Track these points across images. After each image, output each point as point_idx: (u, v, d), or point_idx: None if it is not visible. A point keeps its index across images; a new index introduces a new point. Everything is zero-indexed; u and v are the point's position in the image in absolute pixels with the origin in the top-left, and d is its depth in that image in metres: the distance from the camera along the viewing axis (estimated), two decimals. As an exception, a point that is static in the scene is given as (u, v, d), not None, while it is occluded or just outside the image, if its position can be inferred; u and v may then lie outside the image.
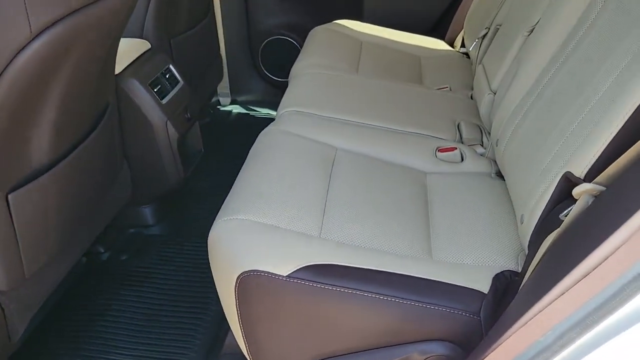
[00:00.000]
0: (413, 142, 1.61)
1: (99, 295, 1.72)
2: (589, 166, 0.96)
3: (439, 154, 1.57)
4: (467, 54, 2.38)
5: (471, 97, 1.95)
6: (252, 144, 1.56)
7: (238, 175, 1.39)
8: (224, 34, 2.71)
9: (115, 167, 1.67)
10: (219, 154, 2.42)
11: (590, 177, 0.96)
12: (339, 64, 2.08)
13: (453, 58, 2.32)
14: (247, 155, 1.52)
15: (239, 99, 2.88)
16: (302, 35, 2.70)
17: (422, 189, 1.42)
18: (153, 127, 1.74)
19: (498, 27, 1.81)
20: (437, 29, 2.60)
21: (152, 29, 1.91)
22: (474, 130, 1.71)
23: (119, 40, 1.52)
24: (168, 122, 1.76)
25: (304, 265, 1.07)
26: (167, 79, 1.85)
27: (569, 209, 0.97)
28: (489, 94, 1.61)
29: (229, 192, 1.37)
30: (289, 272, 1.06)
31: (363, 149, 1.56)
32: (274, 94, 2.87)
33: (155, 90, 1.76)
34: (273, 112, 2.80)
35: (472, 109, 1.83)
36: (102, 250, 1.82)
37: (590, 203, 0.93)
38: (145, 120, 1.73)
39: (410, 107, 1.77)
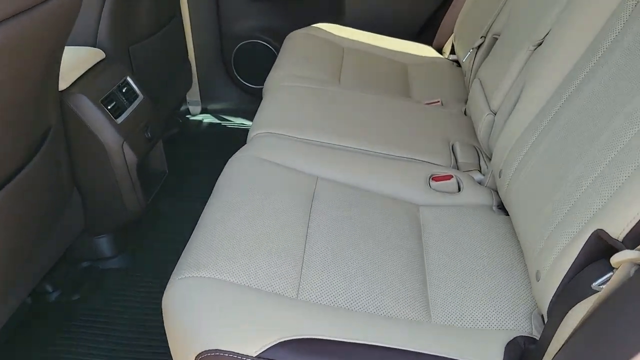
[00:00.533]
0: (403, 168, 1.42)
1: (45, 344, 1.50)
2: (629, 228, 0.78)
3: (433, 183, 1.39)
4: (457, 62, 2.20)
5: (464, 113, 1.76)
6: (225, 160, 1.37)
7: (201, 216, 1.19)
8: (192, 37, 2.49)
9: (63, 197, 1.46)
10: (188, 171, 2.20)
11: (630, 241, 0.78)
12: (318, 74, 1.88)
13: (442, 66, 2.14)
14: (218, 175, 1.33)
15: (210, 107, 2.66)
16: (279, 39, 2.49)
17: (415, 227, 1.23)
18: (107, 150, 1.52)
19: (496, 36, 1.63)
20: (423, 34, 2.41)
21: (107, 35, 1.68)
22: (471, 153, 1.52)
23: (62, 52, 1.30)
24: (125, 144, 1.55)
25: (277, 342, 0.87)
26: (123, 94, 1.63)
27: (604, 277, 0.80)
28: (488, 114, 1.42)
29: (198, 217, 1.17)
30: (259, 352, 0.86)
31: (347, 177, 1.36)
32: (249, 102, 2.66)
33: (109, 107, 1.54)
34: (247, 122, 2.59)
35: (466, 127, 1.65)
36: (51, 290, 1.60)
37: (633, 274, 0.75)
38: (98, 143, 1.51)
39: (398, 127, 1.58)
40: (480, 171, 1.47)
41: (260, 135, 1.46)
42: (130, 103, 1.64)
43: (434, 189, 1.37)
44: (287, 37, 2.19)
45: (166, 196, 2.02)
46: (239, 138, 2.60)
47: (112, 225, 1.66)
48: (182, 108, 2.62)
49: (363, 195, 1.31)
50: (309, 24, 2.35)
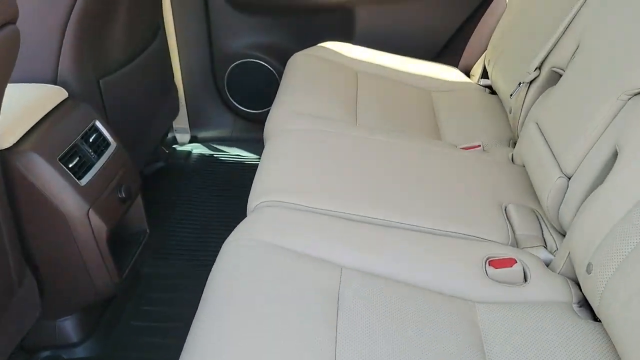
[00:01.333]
0: (449, 249, 1.10)
1: None
2: None
3: (491, 270, 1.07)
4: (489, 87, 1.89)
5: (512, 159, 1.45)
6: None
7: (195, 317, 0.88)
8: (180, 58, 2.16)
9: (10, 283, 1.14)
10: (174, 220, 1.88)
11: None
12: (331, 109, 1.56)
13: (474, 95, 1.82)
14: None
15: (201, 136, 2.33)
16: (278, 58, 2.17)
17: (474, 335, 0.92)
18: (67, 221, 1.20)
19: (556, 71, 1.31)
20: (446, 54, 2.09)
21: (70, 69, 1.35)
22: (530, 221, 1.21)
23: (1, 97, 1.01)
24: (91, 212, 1.22)
25: None
26: (91, 144, 1.30)
27: None
28: (559, 178, 1.11)
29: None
30: None
31: (377, 264, 1.04)
32: (245, 129, 2.34)
33: (70, 165, 1.21)
34: (243, 153, 2.26)
35: (519, 182, 1.33)
36: (1, 392, 1.28)
37: None
38: (56, 213, 1.18)
39: (435, 187, 1.26)
40: (545, 246, 1.16)
41: (264, 205, 1.14)
42: (100, 155, 1.31)
43: (492, 279, 1.05)
44: (290, 59, 1.86)
45: (148, 255, 1.70)
46: (235, 173, 2.25)
47: (77, 308, 1.34)
48: (169, 136, 2.29)
49: (401, 291, 0.99)
50: (314, 43, 2.03)
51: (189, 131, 2.30)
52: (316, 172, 1.24)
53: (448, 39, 2.06)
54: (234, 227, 1.10)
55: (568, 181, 1.10)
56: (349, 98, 1.66)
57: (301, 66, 1.80)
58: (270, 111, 1.55)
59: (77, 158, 1.23)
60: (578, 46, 1.24)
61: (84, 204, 1.21)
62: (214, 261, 1.06)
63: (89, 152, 1.28)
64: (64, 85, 1.36)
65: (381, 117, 1.59)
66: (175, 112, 2.13)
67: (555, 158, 1.14)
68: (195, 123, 2.29)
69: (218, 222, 1.89)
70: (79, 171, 1.23)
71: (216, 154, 2.26)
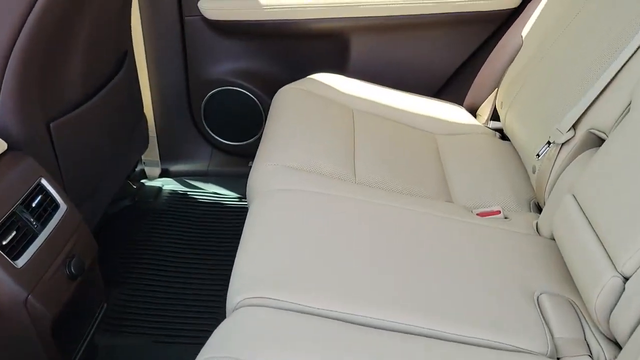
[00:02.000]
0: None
1: None
2: None
3: (531, 396, 0.87)
4: (499, 130, 1.69)
5: (537, 229, 1.25)
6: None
7: None
8: (150, 85, 1.91)
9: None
10: (138, 276, 1.65)
11: None
12: (325, 161, 1.33)
13: (483, 140, 1.61)
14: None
15: (174, 169, 2.08)
16: (262, 87, 1.94)
17: None
18: (0, 312, 0.96)
19: (595, 133, 1.11)
20: (448, 90, 1.89)
21: (11, 113, 1.10)
22: (570, 319, 0.99)
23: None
24: (31, 299, 0.98)
25: None
26: (32, 211, 1.05)
27: None
28: (614, 276, 0.91)
29: None
30: None
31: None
32: (224, 163, 2.10)
33: (4, 242, 0.97)
34: (222, 191, 2.02)
35: (549, 260, 1.12)
36: None
37: None
38: (-17, 305, 0.95)
39: (453, 271, 1.05)
40: (590, 355, 0.96)
41: (246, 304, 0.91)
42: (45, 223, 1.06)
43: (532, 408, 0.85)
44: (277, 94, 1.64)
45: (104, 326, 1.46)
46: (211, 214, 1.95)
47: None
48: (137, 169, 2.05)
49: None
50: (303, 72, 1.81)
51: (159, 164, 2.06)
52: (310, 254, 1.01)
53: (452, 73, 1.86)
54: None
55: (625, 282, 0.90)
56: (345, 144, 1.44)
57: (290, 103, 1.58)
58: (254, 164, 1.32)
59: (14, 232, 0.99)
60: (628, 108, 1.04)
61: (20, 290, 0.96)
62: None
63: (30, 221, 1.03)
64: (3, 133, 1.11)
65: (382, 169, 1.37)
66: (144, 145, 1.89)
67: (606, 250, 0.94)
68: (167, 155, 2.05)
69: (188, 282, 1.65)
70: (16, 247, 0.99)
71: (190, 192, 2.02)
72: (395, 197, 1.25)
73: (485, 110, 1.76)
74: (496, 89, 1.70)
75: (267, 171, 1.26)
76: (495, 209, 1.26)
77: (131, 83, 1.72)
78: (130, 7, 1.58)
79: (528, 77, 1.47)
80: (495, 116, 1.71)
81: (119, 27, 1.55)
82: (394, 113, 1.66)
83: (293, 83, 1.68)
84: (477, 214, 1.26)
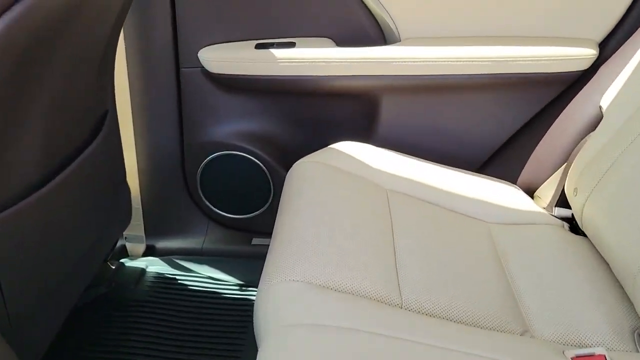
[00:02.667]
0: None
1: None
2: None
3: None
4: (568, 220, 1.36)
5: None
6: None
7: None
8: (137, 147, 1.60)
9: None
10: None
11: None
12: (360, 273, 0.98)
13: (551, 234, 1.27)
14: None
15: (161, 246, 1.74)
16: (272, 153, 1.62)
17: None
18: None
19: None
20: (495, 163, 1.57)
21: None
22: None
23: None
24: None
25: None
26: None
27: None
28: None
29: None
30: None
31: None
32: (222, 240, 1.75)
33: None
34: (221, 276, 1.64)
35: None
36: None
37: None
38: None
39: None
40: None
41: None
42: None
43: None
44: (291, 170, 1.31)
45: None
46: (206, 305, 1.54)
47: None
48: (117, 245, 1.71)
49: None
50: (322, 138, 1.50)
51: (144, 240, 1.71)
52: None
53: (502, 144, 1.54)
54: None
55: None
56: (384, 246, 1.10)
57: (309, 183, 1.25)
58: (260, 285, 0.97)
59: None
60: None
61: None
62: None
63: None
64: None
65: (434, 284, 1.04)
66: (125, 221, 1.55)
67: None
68: (153, 229, 1.70)
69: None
70: None
71: (180, 275, 1.66)
72: (456, 333, 0.91)
73: (547, 193, 1.44)
74: (562, 167, 1.39)
75: (281, 292, 0.92)
76: (597, 352, 0.92)
77: (111, 149, 1.39)
78: (114, 55, 1.27)
79: (620, 159, 1.15)
80: (562, 201, 1.39)
81: (98, 83, 1.23)
82: (437, 195, 1.34)
83: (312, 155, 1.36)
84: (573, 359, 0.92)
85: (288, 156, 1.61)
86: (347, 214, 1.16)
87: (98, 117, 1.31)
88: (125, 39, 1.45)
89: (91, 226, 1.31)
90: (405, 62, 1.42)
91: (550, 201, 1.39)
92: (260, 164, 1.61)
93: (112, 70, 1.29)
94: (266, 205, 1.68)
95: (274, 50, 1.45)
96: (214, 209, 1.69)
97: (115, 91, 1.42)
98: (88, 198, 1.25)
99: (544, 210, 1.36)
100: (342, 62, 1.43)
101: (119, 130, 1.39)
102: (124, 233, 1.68)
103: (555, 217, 1.35)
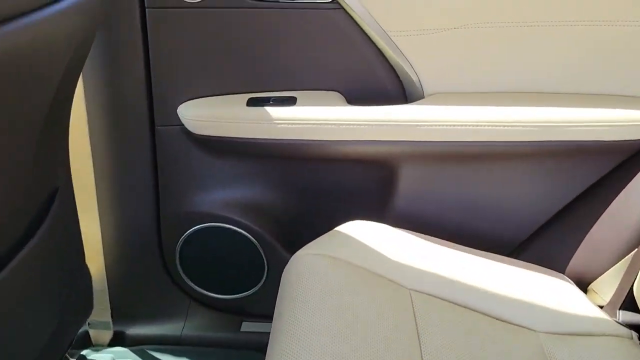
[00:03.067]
0: None
1: None
2: None
3: None
4: (637, 327, 1.10)
5: None
6: None
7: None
8: (101, 219, 1.32)
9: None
10: None
11: None
12: None
13: (619, 349, 1.03)
14: None
15: (132, 332, 1.45)
16: (264, 224, 1.35)
17: None
18: None
19: None
20: (532, 247, 1.29)
21: None
22: None
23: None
24: None
25: None
26: None
27: None
28: None
29: None
30: None
31: None
32: (206, 325, 1.45)
33: None
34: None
35: None
36: None
37: None
38: None
39: None
40: None
41: None
42: None
43: None
44: (289, 264, 1.04)
45: None
46: None
47: None
48: (81, 331, 1.43)
49: None
50: (326, 210, 1.24)
51: (110, 326, 1.43)
52: None
53: (539, 226, 1.27)
54: None
55: None
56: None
57: (310, 287, 0.97)
58: None
59: None
60: None
61: None
62: None
63: None
64: None
65: None
66: (87, 308, 1.27)
67: None
68: (122, 313, 1.42)
69: None
70: None
71: (155, 373, 1.39)
72: None
73: (606, 289, 1.17)
74: (628, 256, 1.12)
75: None
76: None
77: (64, 230, 1.12)
78: (67, 121, 1.00)
79: None
80: (628, 301, 1.12)
81: (45, 157, 0.96)
82: (471, 295, 1.06)
83: (316, 243, 1.09)
84: None
85: (286, 229, 1.34)
86: (362, 334, 0.88)
87: (44, 197, 1.03)
88: (85, 92, 1.19)
89: (46, 319, 1.03)
90: (430, 125, 1.16)
91: (612, 301, 1.12)
92: (252, 238, 1.33)
93: (64, 136, 1.02)
94: (259, 285, 1.40)
95: (270, 109, 1.18)
96: (197, 287, 1.41)
97: (74, 155, 1.15)
98: (40, 287, 0.98)
99: (606, 316, 1.09)
100: (353, 124, 1.16)
101: (74, 207, 1.11)
102: (88, 320, 1.40)
103: (621, 324, 1.08)
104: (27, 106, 0.82)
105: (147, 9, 1.14)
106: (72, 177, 1.14)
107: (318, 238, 1.12)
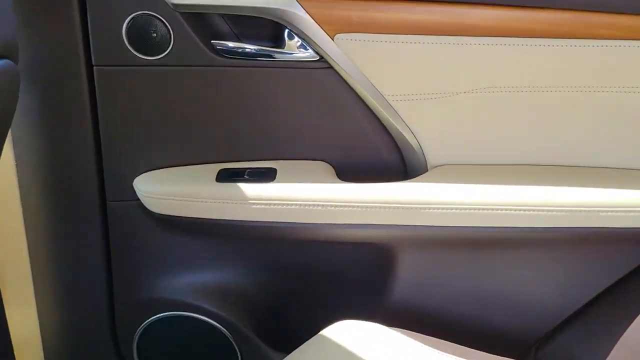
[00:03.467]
0: None
1: None
2: None
3: None
4: None
5: None
6: None
7: None
8: (39, 313, 1.11)
9: None
10: None
11: None
12: None
13: None
14: None
15: None
16: (240, 315, 1.14)
17: None
18: None
19: None
20: (558, 346, 1.11)
21: None
22: None
23: None
24: None
25: None
26: None
27: None
28: None
29: None
30: None
31: None
32: None
33: None
34: None
35: None
36: None
37: None
38: None
39: None
40: None
41: None
42: None
43: None
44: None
45: None
46: None
47: None
48: None
49: None
50: (309, 300, 1.04)
51: None
52: None
53: (562, 321, 1.08)
54: None
55: None
56: None
57: None
58: None
59: None
60: None
61: None
62: None
63: None
64: None
65: None
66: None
67: None
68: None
69: None
70: None
71: None
72: None
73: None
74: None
75: None
76: None
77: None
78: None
79: None
80: None
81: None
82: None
83: (299, 353, 0.89)
84: None
85: (263, 319, 1.14)
86: None
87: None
88: (17, 160, 0.98)
89: None
90: (437, 208, 0.97)
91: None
92: (224, 329, 1.12)
93: None
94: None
95: (244, 185, 0.98)
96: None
97: (3, 236, 0.94)
98: None
99: None
100: (346, 206, 0.97)
101: (3, 321, 0.90)
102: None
103: None
104: None
105: (94, 67, 0.94)
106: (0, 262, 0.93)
107: (301, 346, 0.92)
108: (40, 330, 1.09)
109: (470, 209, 0.97)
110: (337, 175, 1.03)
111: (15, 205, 1.01)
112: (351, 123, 1.01)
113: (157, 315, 1.13)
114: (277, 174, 1.01)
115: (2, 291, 0.96)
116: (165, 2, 0.91)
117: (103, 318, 1.13)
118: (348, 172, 1.04)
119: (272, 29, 0.97)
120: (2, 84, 0.62)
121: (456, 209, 0.97)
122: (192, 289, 1.12)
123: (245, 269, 1.11)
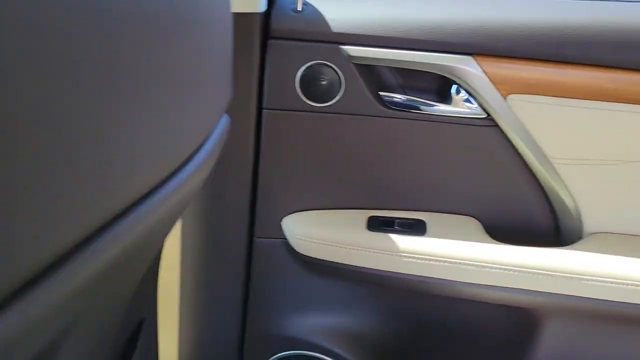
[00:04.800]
0: None
1: None
2: None
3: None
4: None
5: None
6: None
7: None
8: (180, 336, 1.14)
9: None
10: None
11: None
12: None
13: None
14: None
15: None
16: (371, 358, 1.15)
17: None
18: None
19: None
20: None
21: None
22: None
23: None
24: None
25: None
26: None
27: None
28: None
29: None
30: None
31: None
32: None
33: None
34: None
35: None
36: None
37: None
38: None
39: None
40: None
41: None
42: None
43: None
44: None
45: None
46: None
47: None
48: None
49: None
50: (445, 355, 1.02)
51: None
52: None
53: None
54: None
55: None
56: None
57: None
58: None
59: None
60: None
61: None
62: None
63: None
64: None
65: None
66: None
67: None
68: None
69: None
70: None
71: None
72: None
73: None
74: None
75: None
76: None
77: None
78: (158, 263, 0.83)
79: None
80: None
81: (137, 294, 0.79)
82: None
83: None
84: None
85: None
86: None
87: (129, 332, 0.86)
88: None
89: None
90: (589, 280, 0.93)
91: None
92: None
93: (155, 276, 0.85)
94: None
95: (396, 237, 0.98)
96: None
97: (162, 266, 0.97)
98: None
99: None
100: (495, 268, 0.95)
101: (156, 338, 0.93)
102: None
103: None
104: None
105: (263, 110, 0.97)
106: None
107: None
108: (178, 353, 1.12)
109: (627, 284, 0.93)
110: (485, 231, 1.01)
111: (173, 238, 1.04)
112: (507, 181, 0.99)
113: (285, 352, 1.14)
114: (427, 227, 1.00)
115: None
116: (342, 53, 0.93)
117: (233, 348, 1.15)
118: (496, 230, 1.02)
119: (439, 83, 0.97)
120: (222, 136, 0.64)
121: (612, 282, 0.93)
122: (323, 330, 1.12)
123: (379, 317, 1.10)
